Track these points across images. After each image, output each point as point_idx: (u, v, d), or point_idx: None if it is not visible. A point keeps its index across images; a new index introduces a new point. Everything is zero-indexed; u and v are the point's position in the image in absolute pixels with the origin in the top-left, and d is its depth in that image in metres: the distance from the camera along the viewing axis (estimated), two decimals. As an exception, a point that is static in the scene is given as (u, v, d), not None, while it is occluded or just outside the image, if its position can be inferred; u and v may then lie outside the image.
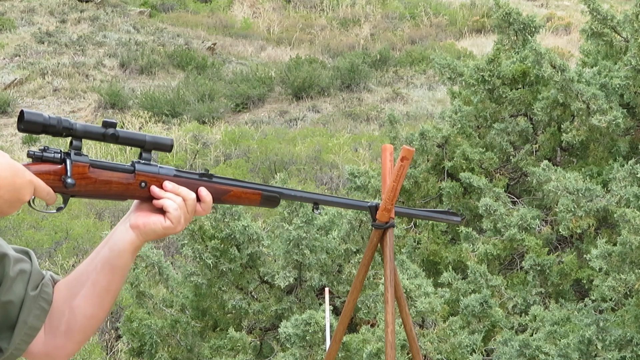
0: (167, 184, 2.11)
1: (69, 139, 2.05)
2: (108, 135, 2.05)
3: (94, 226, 12.81)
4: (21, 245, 12.37)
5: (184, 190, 2.12)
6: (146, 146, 2.11)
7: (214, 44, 26.87)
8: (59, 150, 2.04)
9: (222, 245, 7.41)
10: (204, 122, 20.44)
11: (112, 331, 10.22)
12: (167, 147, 2.13)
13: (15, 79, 23.34)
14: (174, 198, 2.11)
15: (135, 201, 2.15)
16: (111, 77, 24.01)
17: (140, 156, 2.12)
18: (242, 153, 16.93)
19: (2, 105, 21.79)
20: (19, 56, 24.83)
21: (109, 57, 25.24)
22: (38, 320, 2.10)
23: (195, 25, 28.37)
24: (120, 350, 9.84)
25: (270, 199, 2.26)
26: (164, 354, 7.45)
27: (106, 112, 21.95)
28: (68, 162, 2.03)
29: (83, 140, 2.07)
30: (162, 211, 2.12)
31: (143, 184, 2.11)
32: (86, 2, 28.61)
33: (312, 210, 2.36)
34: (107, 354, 9.90)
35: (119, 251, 2.11)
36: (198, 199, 2.15)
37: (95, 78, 23.94)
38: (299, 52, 25.77)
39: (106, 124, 2.06)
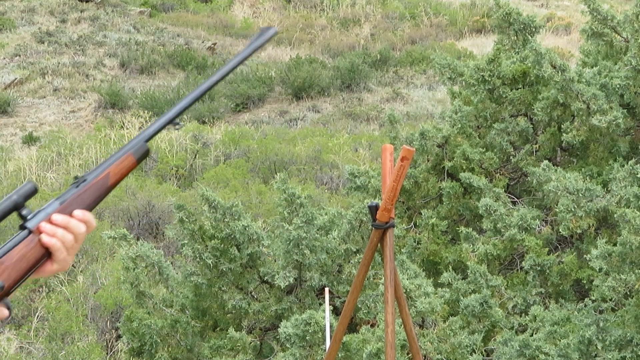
0: (56, 218, 2.06)
1: None
2: None
3: (94, 226, 12.78)
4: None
5: (72, 225, 2.07)
6: (18, 205, 2.05)
7: (214, 44, 26.87)
8: None
9: (222, 245, 7.41)
10: (204, 122, 20.44)
11: (112, 331, 10.23)
12: (32, 191, 2.07)
13: (16, 78, 23.34)
14: (62, 237, 2.06)
15: None
16: (111, 77, 24.01)
17: (21, 217, 2.07)
18: (242, 153, 16.93)
19: (2, 105, 21.79)
20: (19, 56, 24.82)
21: (109, 57, 25.23)
22: None
23: (196, 25, 28.37)
24: (120, 350, 9.84)
25: (142, 153, 2.21)
26: (164, 354, 7.45)
27: (106, 112, 21.96)
28: None
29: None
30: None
31: None
32: (86, 2, 28.61)
33: (174, 128, 2.29)
34: (107, 353, 9.90)
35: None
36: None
37: (95, 78, 23.94)
38: (299, 52, 25.77)
39: None
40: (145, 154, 2.21)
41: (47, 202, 2.08)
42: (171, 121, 2.25)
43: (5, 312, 2.01)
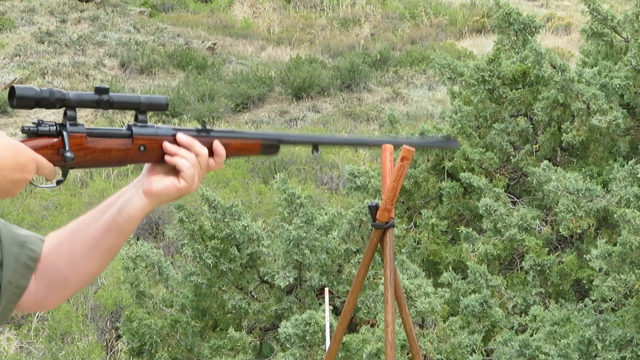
0: (181, 136, 2.04)
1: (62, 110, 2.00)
2: (103, 101, 1.99)
3: (94, 226, 12.78)
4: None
5: (197, 145, 2.05)
6: (141, 108, 2.04)
7: (214, 44, 26.87)
8: (53, 123, 1.99)
9: (222, 245, 7.41)
10: (204, 122, 20.41)
11: (112, 331, 10.22)
12: (162, 106, 2.06)
13: (15, 78, 23.34)
14: (187, 155, 2.03)
15: (146, 165, 2.08)
16: (111, 77, 24.01)
17: (135, 118, 2.05)
18: (242, 153, 16.90)
19: (2, 105, 21.79)
20: (19, 56, 24.83)
21: (109, 57, 25.23)
22: (24, 278, 2.08)
23: (196, 25, 28.36)
24: (120, 350, 9.84)
25: (270, 147, 2.17)
26: (163, 354, 7.45)
27: (106, 112, 21.95)
28: (65, 134, 1.97)
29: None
30: (174, 171, 2.04)
31: (142, 148, 2.03)
32: (86, 2, 28.61)
33: (312, 152, 2.26)
34: (107, 354, 9.90)
35: (129, 217, 2.05)
36: (210, 154, 2.09)
37: (95, 78, 23.93)
38: (299, 52, 25.77)
39: (99, 90, 2.01)
40: (273, 150, 2.17)
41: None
42: (314, 144, 2.22)
43: (56, 175, 1.98)
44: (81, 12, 28.15)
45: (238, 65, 25.40)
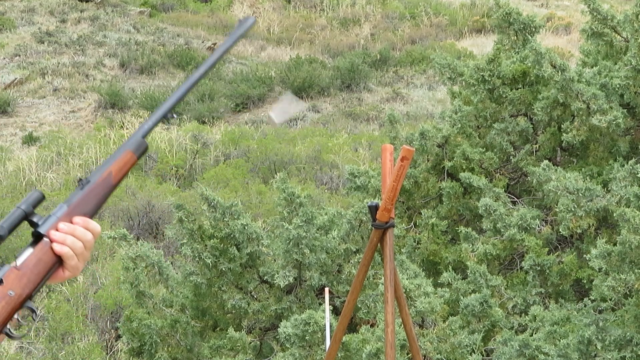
0: (53, 234, 2.09)
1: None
2: None
3: (93, 226, 12.78)
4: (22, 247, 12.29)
5: (79, 232, 2.10)
6: (27, 213, 2.08)
7: (214, 44, 26.86)
8: None
9: (222, 245, 7.40)
10: (204, 122, 20.43)
11: (112, 331, 10.22)
12: (40, 199, 2.10)
13: (15, 78, 23.34)
14: (73, 245, 2.09)
15: None
16: (111, 77, 24.01)
17: (32, 224, 2.10)
18: (242, 153, 16.92)
19: (2, 105, 21.79)
20: (19, 56, 24.82)
21: (109, 57, 25.23)
22: None
23: (195, 25, 28.37)
24: (120, 350, 9.84)
25: (141, 149, 2.24)
26: (163, 354, 7.44)
27: (106, 112, 21.95)
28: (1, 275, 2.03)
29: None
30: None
31: None
32: (86, 2, 28.60)
33: (168, 121, 2.33)
34: (107, 354, 9.90)
35: None
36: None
37: (95, 78, 23.93)
38: (299, 52, 25.77)
39: None
40: (144, 149, 2.25)
41: (54, 204, 2.11)
42: (165, 116, 2.31)
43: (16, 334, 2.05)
44: (81, 12, 28.15)
45: (238, 65, 25.40)
